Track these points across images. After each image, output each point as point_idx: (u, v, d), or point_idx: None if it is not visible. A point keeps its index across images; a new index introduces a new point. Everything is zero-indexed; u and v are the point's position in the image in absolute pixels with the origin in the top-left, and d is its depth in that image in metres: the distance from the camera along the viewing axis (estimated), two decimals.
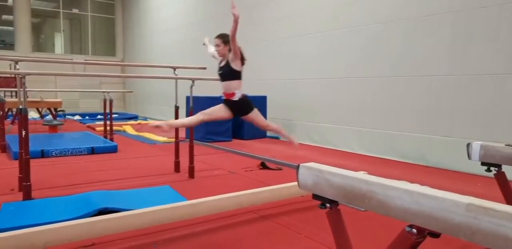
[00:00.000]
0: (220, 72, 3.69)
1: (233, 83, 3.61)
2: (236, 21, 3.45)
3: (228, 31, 3.67)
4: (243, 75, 3.92)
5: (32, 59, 6.25)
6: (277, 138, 9.29)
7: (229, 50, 3.62)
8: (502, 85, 5.35)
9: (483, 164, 2.81)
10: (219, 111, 3.72)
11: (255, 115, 3.73)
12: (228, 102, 3.67)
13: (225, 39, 3.74)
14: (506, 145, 2.73)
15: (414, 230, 1.46)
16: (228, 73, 3.60)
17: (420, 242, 1.48)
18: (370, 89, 7.14)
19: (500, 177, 2.78)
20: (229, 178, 5.27)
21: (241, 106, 3.59)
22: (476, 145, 2.82)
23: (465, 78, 5.75)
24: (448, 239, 1.56)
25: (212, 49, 3.99)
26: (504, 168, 2.75)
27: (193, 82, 5.14)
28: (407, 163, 6.34)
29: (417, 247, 1.50)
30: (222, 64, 3.74)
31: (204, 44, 4.45)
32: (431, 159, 6.12)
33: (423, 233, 1.45)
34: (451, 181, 5.11)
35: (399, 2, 6.62)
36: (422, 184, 1.52)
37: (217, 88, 10.60)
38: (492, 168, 2.78)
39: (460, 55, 5.78)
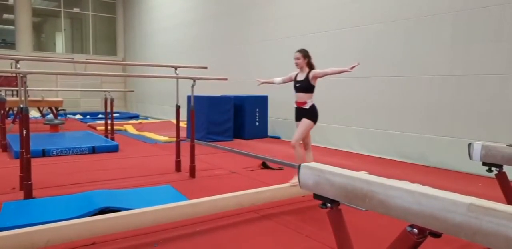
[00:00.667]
0: (297, 85, 4.13)
1: (307, 95, 4.11)
2: (342, 72, 4.04)
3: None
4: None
5: (33, 58, 6.25)
6: (278, 138, 9.29)
7: (307, 64, 4.15)
8: (504, 85, 5.34)
9: (484, 164, 2.81)
10: (301, 126, 4.17)
11: (308, 123, 4.15)
12: (299, 109, 4.16)
13: (305, 54, 4.18)
14: (507, 145, 2.73)
15: (415, 230, 1.46)
16: (305, 87, 4.10)
17: (421, 242, 1.48)
18: (371, 89, 7.14)
19: (501, 177, 2.78)
20: (230, 177, 5.27)
21: (310, 112, 4.12)
22: (477, 145, 2.82)
23: (466, 78, 5.74)
24: (448, 239, 1.56)
25: (277, 80, 4.52)
26: (505, 168, 2.75)
27: (194, 81, 5.14)
28: (408, 163, 6.34)
29: (418, 247, 1.50)
30: (301, 79, 4.16)
31: (261, 84, 4.80)
32: (432, 159, 6.11)
33: (424, 233, 1.45)
34: (452, 181, 5.11)
35: (400, 2, 6.61)
36: (423, 184, 1.52)
37: (218, 88, 10.61)
38: (493, 168, 2.77)
39: (462, 55, 5.78)
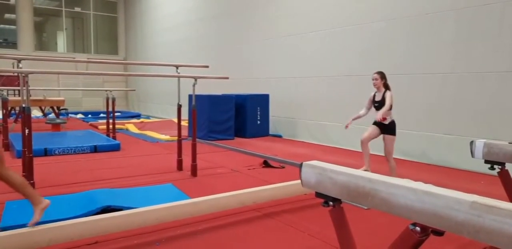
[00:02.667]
0: (376, 104, 4.56)
1: (387, 113, 4.46)
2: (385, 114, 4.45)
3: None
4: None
5: (34, 58, 6.26)
6: (279, 136, 9.29)
7: (384, 85, 4.55)
8: (505, 83, 5.32)
9: (486, 162, 2.80)
10: (373, 130, 4.62)
11: (392, 138, 4.56)
12: (380, 124, 4.55)
13: (382, 75, 4.56)
14: (509, 143, 2.72)
15: (418, 228, 1.45)
16: (383, 106, 4.41)
17: (423, 240, 1.48)
18: (371, 87, 7.09)
19: (504, 175, 2.77)
20: (232, 176, 5.27)
21: (389, 127, 4.52)
22: (479, 143, 2.81)
23: (467, 76, 5.72)
24: (451, 237, 1.55)
25: (362, 112, 4.82)
26: (508, 166, 2.74)
27: (195, 80, 5.14)
28: (409, 161, 6.33)
29: (421, 245, 1.50)
30: (378, 99, 4.56)
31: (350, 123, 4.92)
32: (434, 157, 6.11)
33: (427, 231, 1.45)
34: (454, 179, 5.10)
35: (402, 0, 6.59)
36: (425, 182, 1.52)
37: (219, 86, 10.61)
38: (495, 166, 2.76)
39: (463, 53, 5.76)
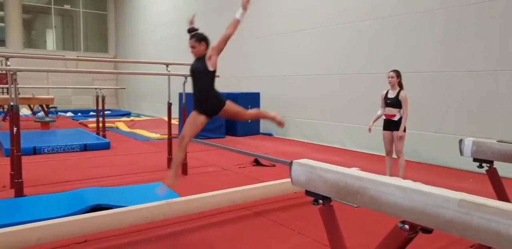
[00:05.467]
0: (388, 101, 4.65)
1: (397, 110, 4.61)
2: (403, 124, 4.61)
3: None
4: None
5: (23, 56, 6.19)
6: (270, 135, 9.30)
7: (398, 83, 4.64)
8: (495, 82, 5.38)
9: (475, 160, 2.82)
10: (387, 138, 4.69)
11: (400, 135, 4.59)
12: (388, 120, 4.67)
13: (398, 74, 4.66)
14: (497, 141, 2.75)
15: (407, 226, 1.46)
16: (395, 103, 4.59)
17: (412, 238, 1.49)
18: (362, 85, 7.16)
19: (492, 173, 2.80)
20: (222, 174, 5.27)
21: (398, 124, 4.57)
22: (468, 141, 2.83)
23: (457, 75, 5.77)
24: (440, 234, 1.57)
25: (379, 112, 4.86)
26: (496, 164, 2.76)
27: (186, 78, 5.13)
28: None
29: (409, 243, 1.51)
30: (391, 96, 4.66)
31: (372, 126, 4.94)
32: (424, 155, 6.15)
33: (416, 229, 1.45)
34: (443, 177, 5.15)
35: None
36: (414, 180, 1.53)
37: None
38: (484, 164, 2.79)
39: (453, 52, 5.81)
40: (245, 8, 3.65)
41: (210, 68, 3.64)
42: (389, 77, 4.68)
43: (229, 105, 3.79)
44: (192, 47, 3.79)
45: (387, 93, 4.74)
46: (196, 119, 3.75)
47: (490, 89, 5.44)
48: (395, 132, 4.64)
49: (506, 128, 5.23)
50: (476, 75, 5.56)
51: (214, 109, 3.76)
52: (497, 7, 5.31)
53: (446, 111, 5.92)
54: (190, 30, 3.89)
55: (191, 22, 4.22)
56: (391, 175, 4.71)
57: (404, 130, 4.63)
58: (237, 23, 3.63)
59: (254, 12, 9.76)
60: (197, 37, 3.80)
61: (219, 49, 3.64)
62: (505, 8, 5.26)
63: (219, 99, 3.74)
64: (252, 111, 4.13)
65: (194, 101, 3.79)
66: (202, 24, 4.39)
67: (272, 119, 4.11)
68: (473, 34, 5.57)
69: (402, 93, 4.61)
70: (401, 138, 4.59)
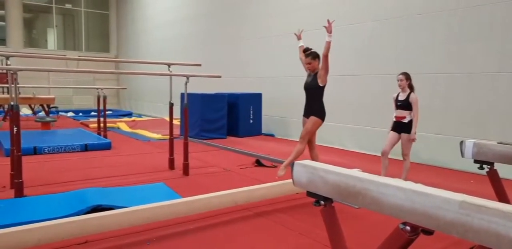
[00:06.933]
0: (399, 103, 4.69)
1: (407, 112, 4.62)
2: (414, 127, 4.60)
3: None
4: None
5: (24, 55, 6.17)
6: (272, 135, 9.30)
7: (408, 86, 4.66)
8: (495, 84, 5.38)
9: (476, 161, 2.83)
10: (392, 138, 4.72)
11: (409, 137, 4.61)
12: (398, 122, 4.69)
13: (407, 76, 4.69)
14: (498, 143, 2.75)
15: (408, 228, 1.46)
16: (406, 106, 4.61)
17: (413, 239, 1.49)
18: (364, 87, 7.16)
19: (493, 174, 2.80)
20: (224, 175, 5.26)
21: (408, 126, 4.60)
22: (469, 143, 2.84)
23: (458, 76, 5.77)
24: (440, 236, 1.57)
25: (394, 115, 4.87)
26: (497, 165, 2.77)
27: (187, 78, 5.12)
28: (400, 160, 6.34)
29: (411, 244, 1.51)
30: (402, 98, 4.68)
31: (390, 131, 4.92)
32: (424, 157, 6.15)
33: (417, 230, 1.46)
34: (444, 179, 5.15)
35: (394, 0, 6.62)
36: (415, 181, 1.53)
37: (211, 85, 10.58)
38: (484, 166, 2.79)
39: (454, 53, 5.80)
40: (329, 31, 4.17)
41: (320, 84, 4.26)
42: (398, 80, 4.70)
43: (314, 120, 4.32)
44: (308, 63, 4.34)
45: (398, 95, 4.75)
46: (304, 122, 4.44)
47: (490, 91, 5.43)
48: (402, 134, 4.63)
49: (506, 130, 5.23)
50: (477, 77, 5.55)
51: (311, 112, 4.36)
52: (497, 10, 5.31)
53: (446, 112, 5.92)
54: (306, 50, 4.44)
55: (299, 37, 4.92)
56: (386, 175, 4.70)
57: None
58: (328, 44, 4.12)
59: (256, 13, 9.83)
60: (312, 55, 4.34)
61: (326, 68, 4.17)
62: (505, 11, 5.26)
63: (318, 109, 4.34)
64: (302, 146, 4.42)
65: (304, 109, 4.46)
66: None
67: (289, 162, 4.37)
68: (473, 37, 5.57)
69: (412, 95, 4.61)
70: (413, 140, 4.57)
